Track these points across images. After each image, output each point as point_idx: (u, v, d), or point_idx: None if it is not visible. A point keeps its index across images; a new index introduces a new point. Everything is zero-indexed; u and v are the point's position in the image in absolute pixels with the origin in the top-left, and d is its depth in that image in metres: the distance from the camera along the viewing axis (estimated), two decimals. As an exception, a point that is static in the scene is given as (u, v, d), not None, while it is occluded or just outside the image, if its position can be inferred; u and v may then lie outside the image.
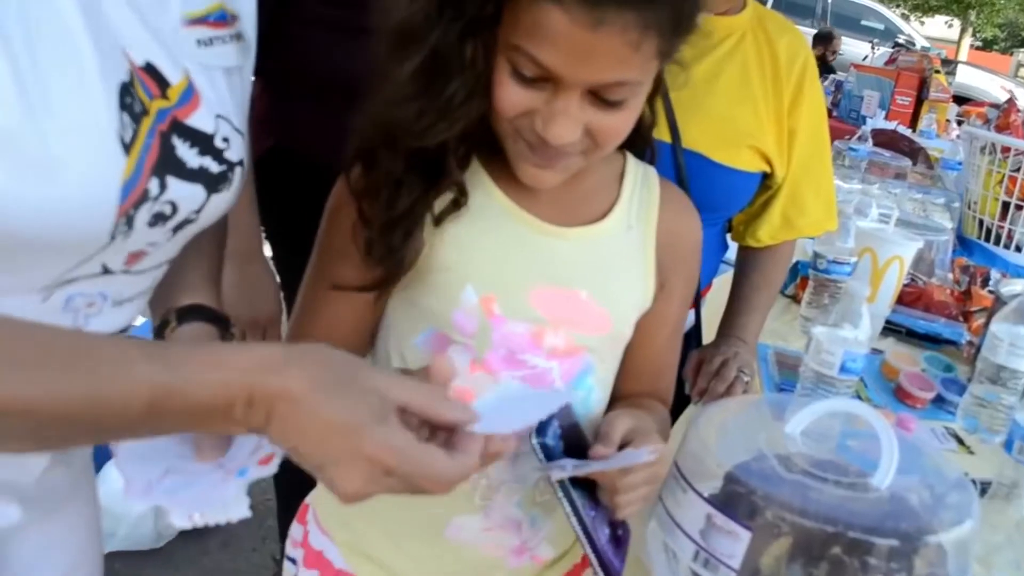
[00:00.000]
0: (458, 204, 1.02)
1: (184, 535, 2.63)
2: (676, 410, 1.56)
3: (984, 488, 1.36)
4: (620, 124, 0.97)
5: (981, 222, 2.87)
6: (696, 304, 1.66)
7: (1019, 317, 1.53)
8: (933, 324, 2.05)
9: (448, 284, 1.04)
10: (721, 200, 1.58)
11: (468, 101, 0.93)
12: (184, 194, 0.85)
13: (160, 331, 0.95)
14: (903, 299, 2.07)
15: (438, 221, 1.02)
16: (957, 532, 0.97)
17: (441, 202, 1.02)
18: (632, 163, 1.14)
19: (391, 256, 1.01)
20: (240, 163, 0.93)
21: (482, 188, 1.05)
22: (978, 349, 1.70)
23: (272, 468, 0.81)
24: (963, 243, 2.90)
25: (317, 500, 1.25)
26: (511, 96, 0.93)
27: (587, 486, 0.99)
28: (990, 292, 2.21)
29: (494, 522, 1.11)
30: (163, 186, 0.81)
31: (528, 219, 1.06)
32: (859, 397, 1.61)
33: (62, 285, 0.81)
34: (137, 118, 0.78)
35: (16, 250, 0.74)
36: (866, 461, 1.06)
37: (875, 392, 1.69)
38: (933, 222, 2.75)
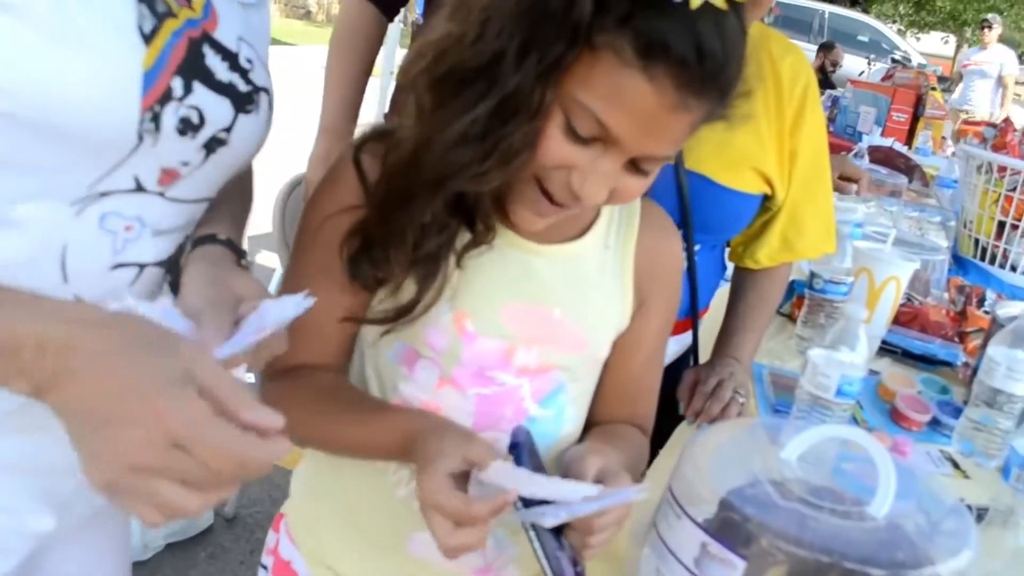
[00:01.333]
0: (481, 242, 1.02)
1: (171, 547, 2.61)
2: (667, 430, 1.55)
3: (980, 514, 1.35)
4: (641, 189, 0.97)
5: (977, 241, 2.86)
6: (694, 324, 1.65)
7: (1016, 341, 1.52)
8: (929, 345, 2.04)
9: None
10: (723, 222, 1.58)
11: (526, 149, 0.90)
12: (212, 105, 0.86)
13: (176, 260, 0.93)
14: (899, 319, 2.06)
15: (460, 262, 1.01)
16: (955, 563, 0.96)
17: (461, 240, 1.01)
18: None
19: (412, 294, 1.00)
20: (266, 90, 0.95)
21: None
22: (974, 371, 1.69)
23: (265, 335, 0.78)
24: (958, 262, 2.89)
25: (290, 508, 1.25)
26: (557, 149, 0.90)
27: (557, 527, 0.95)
28: (986, 313, 2.20)
29: None
30: (188, 88, 0.82)
31: (505, 234, 1.04)
32: (855, 419, 1.60)
33: (96, 199, 0.82)
34: (160, 16, 0.79)
35: (47, 137, 0.74)
36: (862, 486, 1.05)
37: (871, 414, 1.68)
38: (929, 241, 2.74)
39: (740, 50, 0.89)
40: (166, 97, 0.80)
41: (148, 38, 0.78)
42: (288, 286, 1.10)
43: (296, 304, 0.81)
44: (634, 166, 0.92)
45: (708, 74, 0.84)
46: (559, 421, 1.12)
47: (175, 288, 0.92)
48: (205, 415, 0.66)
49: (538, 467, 0.97)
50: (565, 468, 0.98)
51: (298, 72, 8.33)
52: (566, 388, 1.11)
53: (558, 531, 0.94)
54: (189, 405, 0.66)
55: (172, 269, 0.94)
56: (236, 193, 1.06)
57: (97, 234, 0.84)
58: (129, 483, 0.67)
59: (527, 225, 1.00)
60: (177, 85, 0.81)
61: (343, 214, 1.01)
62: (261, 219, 1.13)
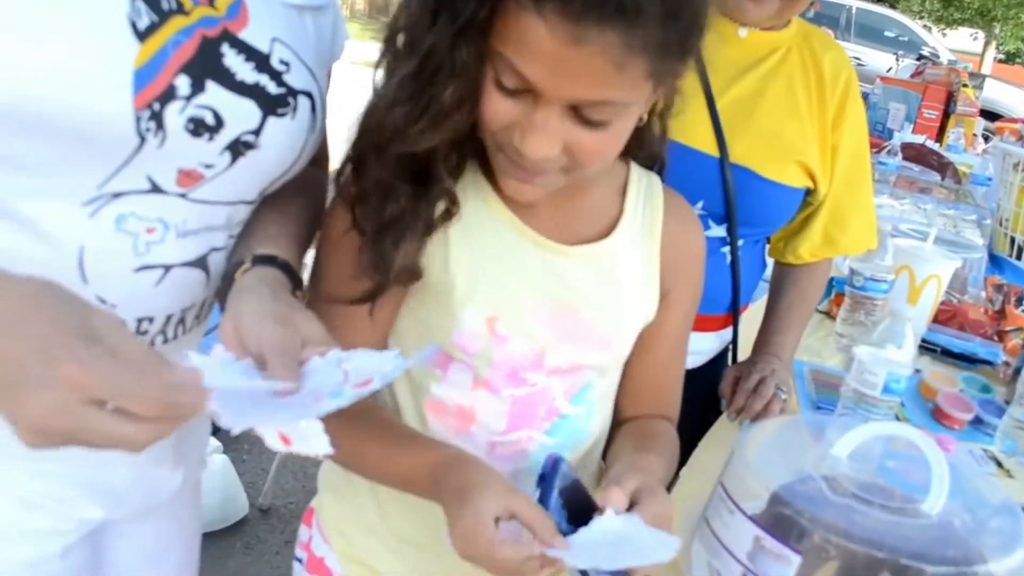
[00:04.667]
0: (450, 213, 1.00)
1: (208, 537, 2.62)
2: (706, 423, 1.56)
3: (1026, 513, 1.35)
4: (602, 145, 0.93)
5: (1013, 240, 2.84)
6: (734, 321, 1.65)
7: (1061, 340, 1.52)
8: (969, 343, 2.03)
9: (451, 303, 1.02)
10: (767, 215, 1.58)
11: (458, 108, 0.91)
12: (231, 106, 0.84)
13: (232, 272, 0.91)
14: (938, 317, 2.06)
15: (428, 231, 1.00)
16: (1009, 561, 0.96)
17: (434, 212, 1.00)
18: (636, 173, 1.12)
19: (381, 264, 0.98)
20: (307, 94, 0.93)
21: (484, 202, 1.04)
22: (1016, 371, 1.68)
23: (371, 388, 0.76)
24: (993, 260, 2.87)
25: (319, 505, 1.25)
26: (494, 106, 0.91)
27: None
28: (1024, 312, 2.19)
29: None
30: (198, 88, 0.81)
31: (532, 236, 1.04)
32: (897, 418, 1.60)
33: (109, 200, 0.81)
34: (164, 12, 0.78)
35: (41, 133, 0.74)
36: (906, 483, 1.06)
37: (912, 412, 1.67)
38: (965, 239, 2.73)
39: None
40: (167, 96, 0.79)
41: (143, 35, 0.76)
42: (313, 298, 1.09)
43: (395, 362, 0.80)
44: (579, 117, 0.89)
45: (595, 1, 0.80)
46: (589, 417, 1.12)
47: (221, 298, 0.92)
48: (116, 368, 0.64)
49: (571, 495, 0.95)
50: (608, 492, 0.94)
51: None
52: (594, 384, 1.11)
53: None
54: (95, 358, 0.64)
55: (224, 276, 0.93)
56: (304, 210, 1.05)
57: (115, 236, 0.83)
58: (52, 440, 0.66)
59: (514, 195, 1.00)
60: (183, 84, 0.80)
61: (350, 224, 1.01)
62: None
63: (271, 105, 0.89)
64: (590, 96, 0.87)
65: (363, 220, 0.99)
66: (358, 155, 0.98)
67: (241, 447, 3.05)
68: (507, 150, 0.94)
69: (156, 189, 0.84)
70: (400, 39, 0.93)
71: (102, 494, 0.97)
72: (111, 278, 0.86)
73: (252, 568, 2.62)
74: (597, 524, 0.91)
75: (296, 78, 0.92)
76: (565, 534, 0.89)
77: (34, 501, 0.92)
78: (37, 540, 0.94)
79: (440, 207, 1.00)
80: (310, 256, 1.07)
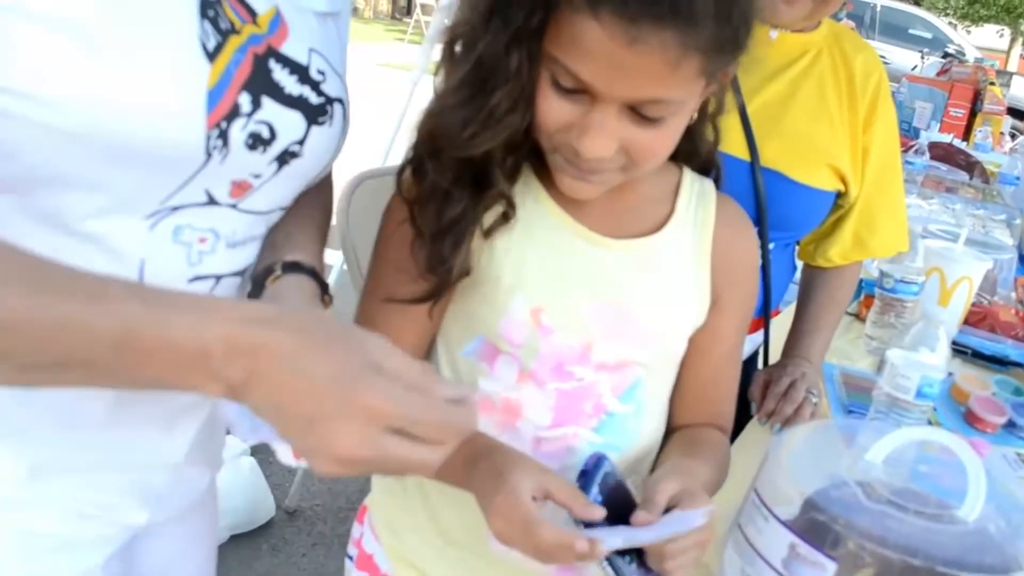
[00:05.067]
0: (507, 217, 1.03)
1: (235, 539, 2.65)
2: (737, 427, 1.55)
3: (1061, 519, 1.33)
4: (657, 142, 0.95)
5: (1043, 240, 2.82)
6: (765, 324, 1.65)
7: (1096, 342, 1.50)
8: (1000, 345, 2.01)
9: (498, 294, 1.04)
10: (798, 219, 1.57)
11: (512, 112, 0.93)
12: (282, 119, 0.86)
13: (262, 279, 0.93)
14: (968, 319, 2.04)
15: (487, 234, 1.02)
16: (1046, 568, 0.95)
17: (492, 214, 1.02)
18: (688, 177, 1.13)
19: (441, 266, 1.01)
20: (340, 100, 0.95)
21: (533, 198, 1.05)
22: (1050, 373, 1.66)
23: None
24: (1023, 261, 2.85)
25: (372, 502, 1.27)
26: (551, 108, 0.93)
27: (635, 550, 0.94)
28: (1056, 313, 2.17)
29: None
30: (257, 104, 0.83)
31: (580, 230, 1.05)
32: (929, 422, 1.58)
33: (169, 213, 0.83)
34: (224, 33, 0.79)
35: (116, 155, 0.75)
36: (940, 488, 1.05)
37: (945, 416, 1.66)
38: (994, 239, 2.70)
39: None
40: (233, 114, 0.81)
41: (212, 56, 0.78)
42: (366, 288, 1.12)
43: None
44: (637, 115, 0.91)
45: (650, 2, 0.82)
46: (639, 416, 1.11)
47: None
48: (408, 391, 0.69)
49: (615, 490, 0.96)
50: (645, 489, 0.96)
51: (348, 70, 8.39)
52: (644, 383, 1.11)
53: (638, 553, 0.93)
54: (391, 389, 0.68)
55: (254, 282, 0.95)
56: (320, 211, 1.07)
57: (171, 247, 0.85)
58: (351, 468, 0.69)
59: (571, 193, 1.01)
60: (245, 101, 0.82)
61: (407, 223, 1.04)
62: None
63: (313, 115, 0.91)
64: (646, 95, 0.89)
65: (422, 223, 1.01)
66: (418, 159, 1.01)
67: (268, 449, 3.05)
68: (564, 150, 0.96)
69: (212, 201, 0.85)
70: (457, 45, 0.95)
71: (147, 498, 0.99)
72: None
73: (279, 570, 2.63)
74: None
75: (331, 86, 0.93)
76: (610, 524, 0.90)
77: (85, 512, 0.93)
78: (84, 551, 0.95)
79: (497, 211, 1.02)
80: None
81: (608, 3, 0.83)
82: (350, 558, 1.28)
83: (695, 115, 1.02)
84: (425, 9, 15.64)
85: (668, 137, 0.96)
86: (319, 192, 1.08)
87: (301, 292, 0.92)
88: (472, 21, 0.92)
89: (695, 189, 1.13)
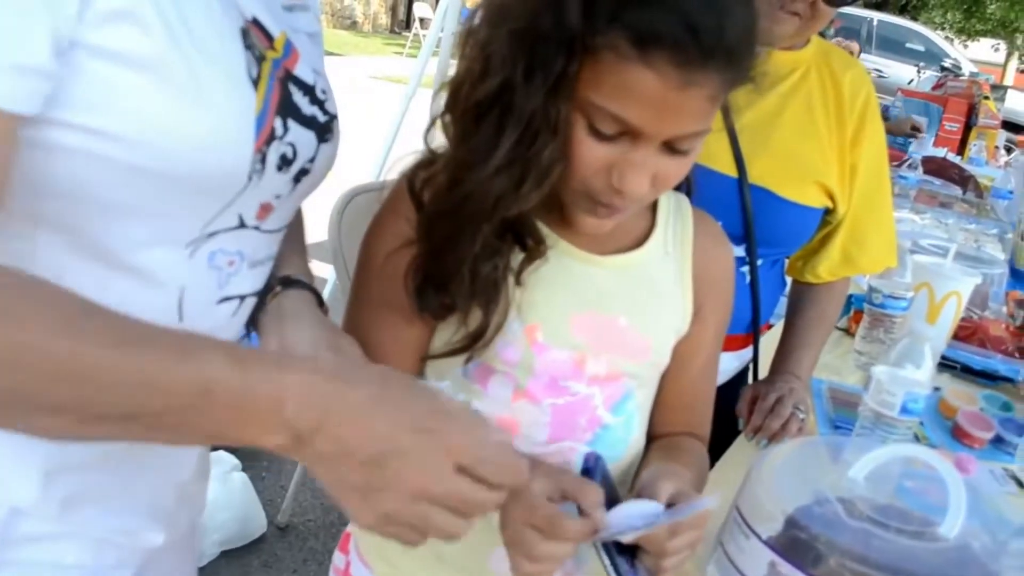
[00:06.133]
0: (535, 257, 1.03)
1: (226, 555, 2.64)
2: (724, 444, 1.55)
3: (1047, 535, 1.33)
4: (681, 170, 0.98)
5: (1035, 254, 2.82)
6: (755, 340, 1.65)
7: (1083, 358, 1.50)
8: (989, 360, 2.01)
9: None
10: (786, 235, 1.58)
11: (559, 163, 0.94)
12: (301, 139, 0.88)
13: (262, 296, 0.95)
14: (958, 334, 2.04)
15: (519, 279, 1.03)
16: (1027, 585, 0.95)
17: (516, 259, 1.03)
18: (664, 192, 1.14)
19: (478, 320, 1.02)
20: (336, 117, 0.96)
21: None
22: (1038, 388, 1.66)
23: None
24: (1015, 275, 2.85)
25: (358, 531, 1.26)
26: (589, 152, 0.93)
27: (628, 548, 0.95)
28: (1047, 327, 2.17)
29: None
30: (286, 127, 0.85)
31: (569, 249, 1.07)
32: (916, 437, 1.58)
33: (206, 239, 0.84)
34: (258, 60, 0.82)
35: (169, 185, 0.76)
36: (925, 504, 1.05)
37: (932, 431, 1.66)
38: (986, 254, 2.70)
39: (738, 11, 0.89)
40: (271, 137, 0.83)
41: (256, 83, 0.80)
42: (352, 320, 1.13)
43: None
44: (669, 148, 0.93)
45: (706, 48, 0.85)
46: (629, 427, 1.13)
47: (254, 321, 0.95)
48: (482, 437, 0.74)
49: (610, 490, 0.97)
50: (640, 491, 0.98)
51: (344, 82, 8.41)
52: (634, 394, 1.12)
53: (632, 554, 0.94)
54: (468, 430, 0.74)
55: (258, 301, 0.96)
56: (296, 224, 1.08)
57: (207, 272, 0.86)
58: (410, 512, 0.73)
59: (593, 230, 1.03)
60: (279, 125, 0.84)
61: (405, 248, 1.03)
62: (314, 229, 1.15)
63: (322, 133, 0.93)
64: (688, 131, 0.92)
65: (455, 291, 1.01)
66: (455, 227, 0.99)
67: (260, 465, 3.05)
68: (597, 193, 0.96)
69: (241, 224, 0.87)
70: (479, 101, 0.94)
71: (161, 518, 0.99)
72: (200, 313, 0.88)
73: (271, 585, 2.62)
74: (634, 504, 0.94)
75: (331, 104, 0.95)
76: None
77: (107, 538, 0.94)
78: None
79: (519, 256, 1.03)
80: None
81: (661, 51, 0.85)
82: None
83: None
84: (424, 23, 15.66)
85: (689, 164, 0.98)
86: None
87: (305, 304, 0.94)
88: (511, 79, 0.91)
89: (671, 203, 1.15)
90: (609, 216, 1.00)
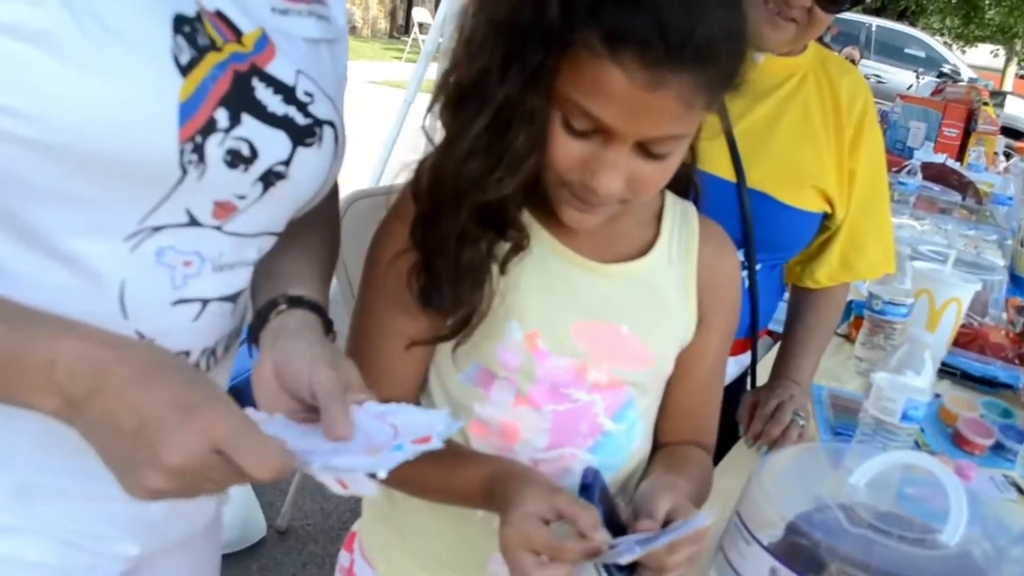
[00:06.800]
0: (520, 248, 1.04)
1: (225, 559, 2.62)
2: (724, 450, 1.55)
3: (1048, 542, 1.33)
4: (660, 175, 0.98)
5: (1034, 261, 2.82)
6: (753, 345, 1.65)
7: (1083, 365, 1.50)
8: (989, 367, 2.01)
9: (493, 320, 1.04)
10: (784, 240, 1.58)
11: (532, 152, 0.94)
12: (264, 137, 0.86)
13: (266, 312, 0.93)
14: (958, 340, 2.04)
15: (503, 268, 1.03)
16: (1028, 592, 0.95)
17: (503, 249, 1.03)
18: (671, 201, 1.15)
19: (460, 308, 1.02)
20: (331, 123, 0.95)
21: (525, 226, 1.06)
22: (1038, 395, 1.67)
23: (431, 446, 0.80)
24: (1015, 281, 2.85)
25: (363, 528, 1.27)
26: (564, 147, 0.94)
27: (627, 566, 0.94)
28: (1046, 334, 2.17)
29: None
30: (235, 120, 0.83)
31: (571, 256, 1.07)
32: (916, 443, 1.59)
33: (150, 234, 0.83)
34: (201, 48, 0.80)
35: (89, 168, 0.76)
36: (926, 511, 1.05)
37: (932, 438, 1.66)
38: (986, 260, 2.70)
39: (716, 13, 0.88)
40: (209, 128, 0.81)
41: (185, 70, 0.78)
42: (357, 325, 1.13)
43: (446, 422, 0.83)
44: (644, 151, 0.93)
45: (673, 48, 0.85)
46: (631, 435, 1.13)
47: (254, 337, 0.93)
48: (242, 425, 0.71)
49: (609, 506, 0.97)
50: (637, 505, 0.97)
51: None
52: (636, 402, 1.12)
53: (631, 571, 0.93)
54: (232, 414, 0.71)
55: (258, 315, 0.95)
56: (325, 248, 1.07)
57: (154, 269, 0.84)
58: (174, 489, 0.72)
59: (575, 225, 1.03)
60: (222, 117, 0.81)
61: (410, 251, 1.04)
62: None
63: (300, 136, 0.91)
64: (661, 133, 0.92)
65: (441, 269, 1.02)
66: (433, 208, 1.01)
67: (259, 468, 3.05)
68: (573, 187, 0.97)
69: (194, 222, 0.85)
70: (460, 86, 0.96)
71: (139, 529, 0.98)
72: (150, 312, 0.87)
73: (270, 590, 2.62)
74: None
75: (320, 108, 0.93)
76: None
77: (74, 541, 0.93)
78: None
79: (505, 246, 1.03)
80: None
81: (630, 51, 0.85)
82: None
83: None
84: (423, 28, 15.71)
85: (670, 170, 0.98)
86: (326, 227, 1.09)
87: (307, 327, 0.92)
88: (489, 66, 0.93)
89: (677, 212, 1.15)
90: (589, 211, 1.00)
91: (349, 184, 1.53)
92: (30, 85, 0.71)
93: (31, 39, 0.70)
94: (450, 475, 1.06)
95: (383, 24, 21.74)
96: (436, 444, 0.80)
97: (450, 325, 1.04)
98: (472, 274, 1.01)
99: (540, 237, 1.06)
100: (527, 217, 1.06)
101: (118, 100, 0.75)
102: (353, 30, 19.59)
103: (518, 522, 0.91)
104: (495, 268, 1.03)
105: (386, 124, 3.40)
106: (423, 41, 5.33)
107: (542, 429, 1.08)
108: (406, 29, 20.25)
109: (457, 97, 0.97)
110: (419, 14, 17.91)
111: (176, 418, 0.70)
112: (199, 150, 0.80)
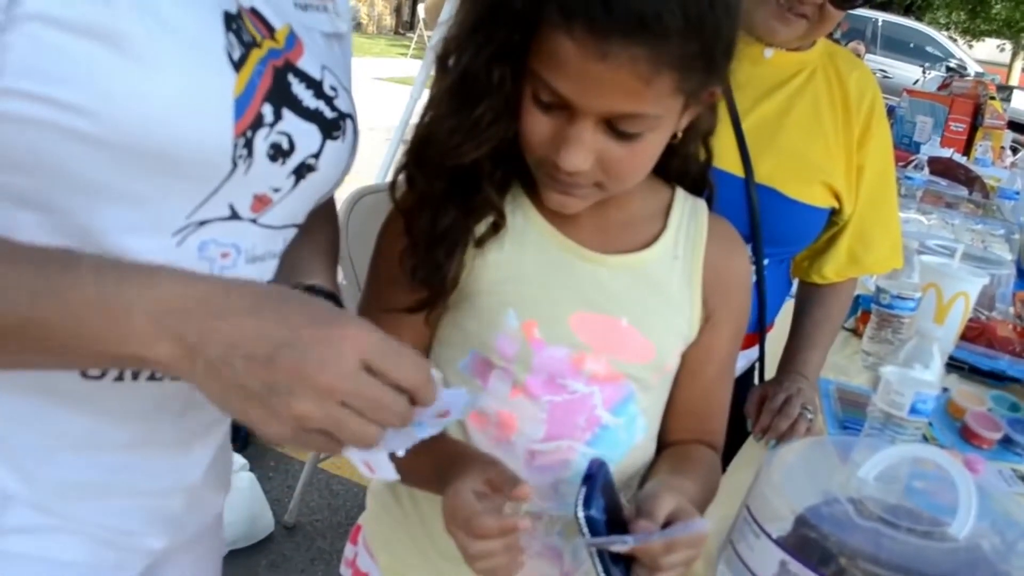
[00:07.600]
0: (497, 227, 1.05)
1: (233, 555, 2.64)
2: (734, 446, 1.55)
3: (1057, 535, 1.33)
4: (634, 158, 0.98)
5: (1042, 254, 2.81)
6: (760, 340, 1.65)
7: (1091, 358, 1.50)
8: (997, 361, 2.01)
9: (491, 308, 1.06)
10: (793, 235, 1.58)
11: (495, 123, 0.96)
12: (300, 131, 0.88)
13: None
14: (965, 334, 2.04)
15: (479, 243, 1.05)
16: (1038, 585, 0.95)
17: (483, 225, 1.05)
18: (681, 196, 1.15)
19: (435, 274, 1.04)
20: (350, 116, 0.97)
21: (523, 215, 1.08)
22: (1046, 389, 1.66)
23: (450, 419, 0.81)
24: (1022, 275, 2.84)
25: (367, 521, 1.28)
26: (532, 122, 0.96)
27: (624, 560, 0.94)
28: (1054, 328, 2.16)
29: (535, 550, 1.11)
30: (278, 115, 0.85)
31: (569, 245, 1.07)
32: (925, 437, 1.58)
33: (195, 228, 0.84)
34: (247, 45, 0.82)
35: (144, 164, 0.76)
36: (934, 504, 1.05)
37: (940, 432, 1.66)
38: (993, 254, 2.70)
39: None
40: (257, 123, 0.82)
41: (237, 66, 0.80)
42: (364, 303, 1.15)
43: (467, 398, 0.84)
44: (612, 130, 0.94)
45: (617, 18, 0.85)
46: (631, 430, 1.12)
47: None
48: (389, 340, 0.70)
49: (612, 499, 0.96)
50: (639, 504, 0.97)
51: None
52: (636, 397, 1.12)
53: (627, 564, 0.93)
54: (373, 331, 0.70)
55: None
56: (329, 241, 1.09)
57: (196, 263, 0.85)
58: (322, 414, 0.68)
59: (559, 208, 1.03)
60: (267, 112, 0.83)
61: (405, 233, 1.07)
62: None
63: (328, 129, 0.93)
64: (620, 109, 0.92)
65: (416, 231, 1.04)
66: (409, 167, 1.05)
67: (267, 464, 3.06)
68: (545, 165, 0.98)
69: (234, 215, 0.86)
70: (449, 58, 0.99)
71: (164, 523, 0.99)
72: None
73: (278, 585, 2.63)
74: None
75: (343, 102, 0.95)
76: (607, 533, 0.91)
77: (105, 538, 0.94)
78: None
79: (488, 222, 1.05)
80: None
81: (580, 19, 0.86)
82: None
83: (679, 134, 1.03)
84: (428, 25, 15.69)
85: (644, 153, 0.98)
86: (327, 220, 1.10)
87: None
88: (460, 35, 0.96)
89: (687, 208, 1.14)
90: (567, 193, 1.01)
91: (356, 180, 1.54)
92: (96, 83, 0.72)
93: (101, 37, 0.71)
94: (413, 460, 1.06)
95: (388, 21, 21.73)
96: (455, 416, 0.81)
97: (421, 296, 1.06)
98: (446, 241, 1.03)
99: (540, 226, 1.07)
100: (527, 206, 1.07)
101: (179, 96, 0.76)
102: (359, 27, 19.58)
103: (449, 497, 0.94)
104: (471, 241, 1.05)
105: (392, 120, 3.41)
106: (428, 37, 5.32)
107: (539, 420, 1.08)
108: (411, 25, 20.25)
109: (442, 64, 1.00)
110: (424, 10, 17.88)
111: (317, 335, 0.67)
112: (249, 144, 0.82)
